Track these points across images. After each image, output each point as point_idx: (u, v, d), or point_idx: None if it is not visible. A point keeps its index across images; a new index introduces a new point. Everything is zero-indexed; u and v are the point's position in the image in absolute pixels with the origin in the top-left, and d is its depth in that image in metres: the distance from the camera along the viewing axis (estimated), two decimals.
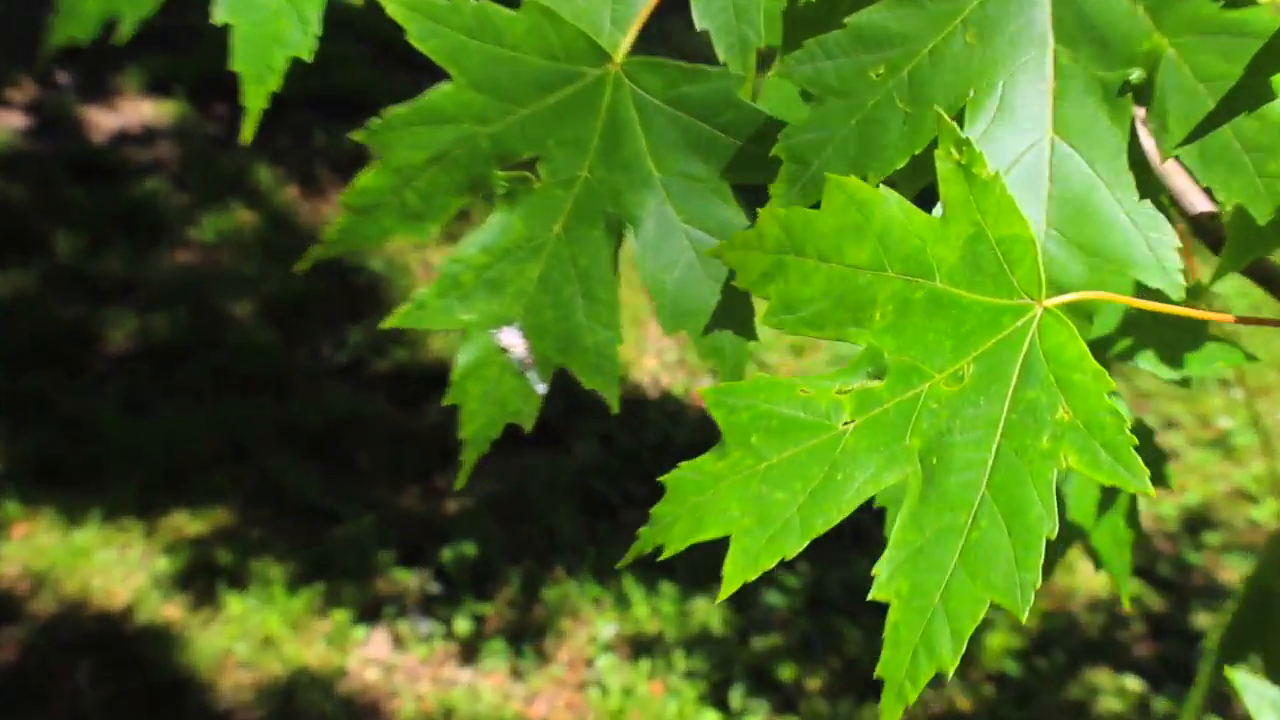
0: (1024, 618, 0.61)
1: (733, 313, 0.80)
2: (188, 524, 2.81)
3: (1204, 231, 0.83)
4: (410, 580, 2.75)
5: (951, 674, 0.61)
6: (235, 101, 3.86)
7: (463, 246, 0.82)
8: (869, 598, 0.64)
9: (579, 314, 0.82)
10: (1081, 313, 0.68)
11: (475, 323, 0.83)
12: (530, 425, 0.84)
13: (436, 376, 3.13)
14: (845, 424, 0.67)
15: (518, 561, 2.82)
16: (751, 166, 0.79)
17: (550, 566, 2.81)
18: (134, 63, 3.95)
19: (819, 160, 0.72)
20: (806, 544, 0.66)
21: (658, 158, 0.79)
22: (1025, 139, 0.71)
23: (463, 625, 2.68)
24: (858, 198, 0.67)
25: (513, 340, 0.82)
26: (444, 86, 0.79)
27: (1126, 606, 1.04)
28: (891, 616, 0.63)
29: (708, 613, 2.73)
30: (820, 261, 0.68)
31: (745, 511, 0.67)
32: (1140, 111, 0.71)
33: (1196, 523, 3.09)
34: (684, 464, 0.69)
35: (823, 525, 0.66)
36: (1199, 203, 0.84)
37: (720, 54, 0.78)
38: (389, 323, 0.82)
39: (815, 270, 0.68)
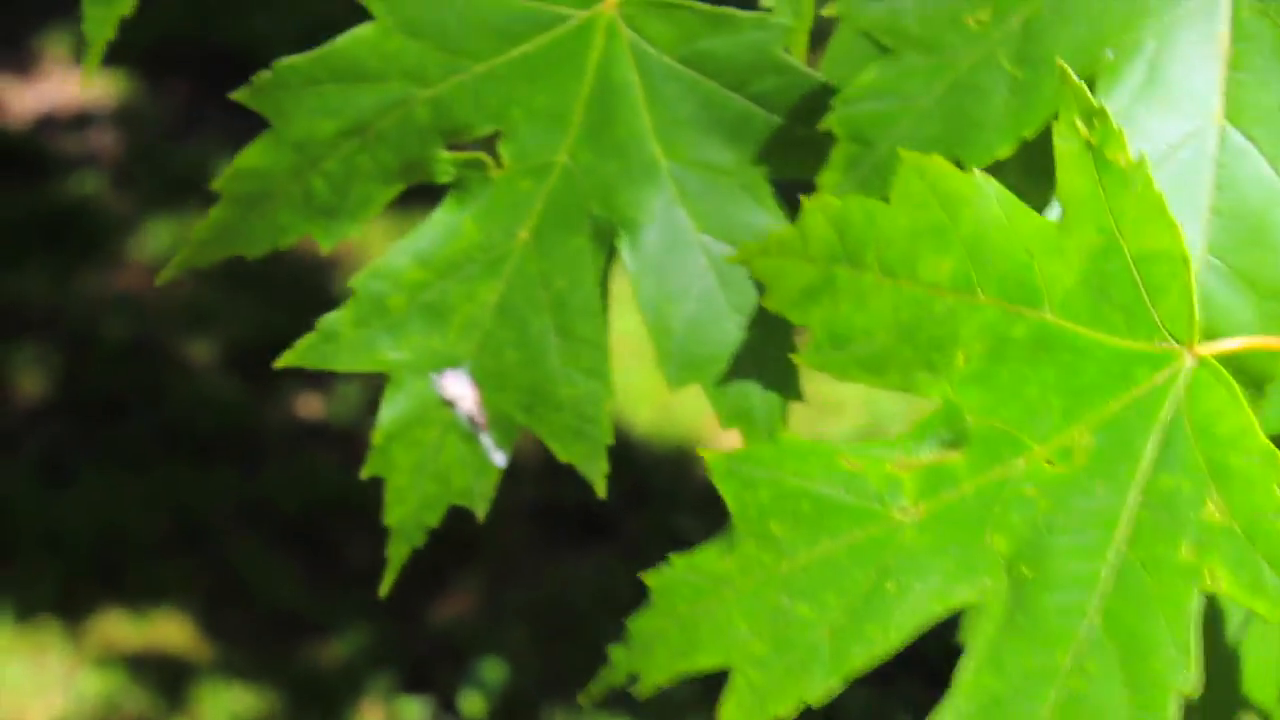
0: None
1: (767, 360, 0.79)
2: (124, 631, 2.82)
3: None
4: (416, 713, 2.76)
5: None
6: (198, 76, 3.93)
7: (391, 256, 0.81)
8: None
9: (552, 356, 0.81)
10: (1247, 373, 0.67)
11: (407, 364, 0.82)
12: (484, 509, 0.84)
13: None
14: (904, 511, 0.67)
15: (557, 693, 2.82)
16: (799, 155, 0.78)
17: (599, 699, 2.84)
18: (64, 21, 4.01)
19: (888, 140, 0.72)
20: (839, 683, 0.66)
21: (666, 139, 0.79)
22: (1182, 125, 0.70)
23: None
24: (941, 187, 0.66)
25: (460, 390, 0.82)
26: (364, 29, 0.78)
27: None
28: None
29: None
30: (884, 276, 0.68)
31: (756, 631, 0.68)
32: None
33: None
34: (676, 557, 0.69)
35: (863, 658, 0.66)
36: None
37: None
38: (283, 360, 0.82)
39: (877, 289, 0.68)
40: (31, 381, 3.21)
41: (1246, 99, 0.70)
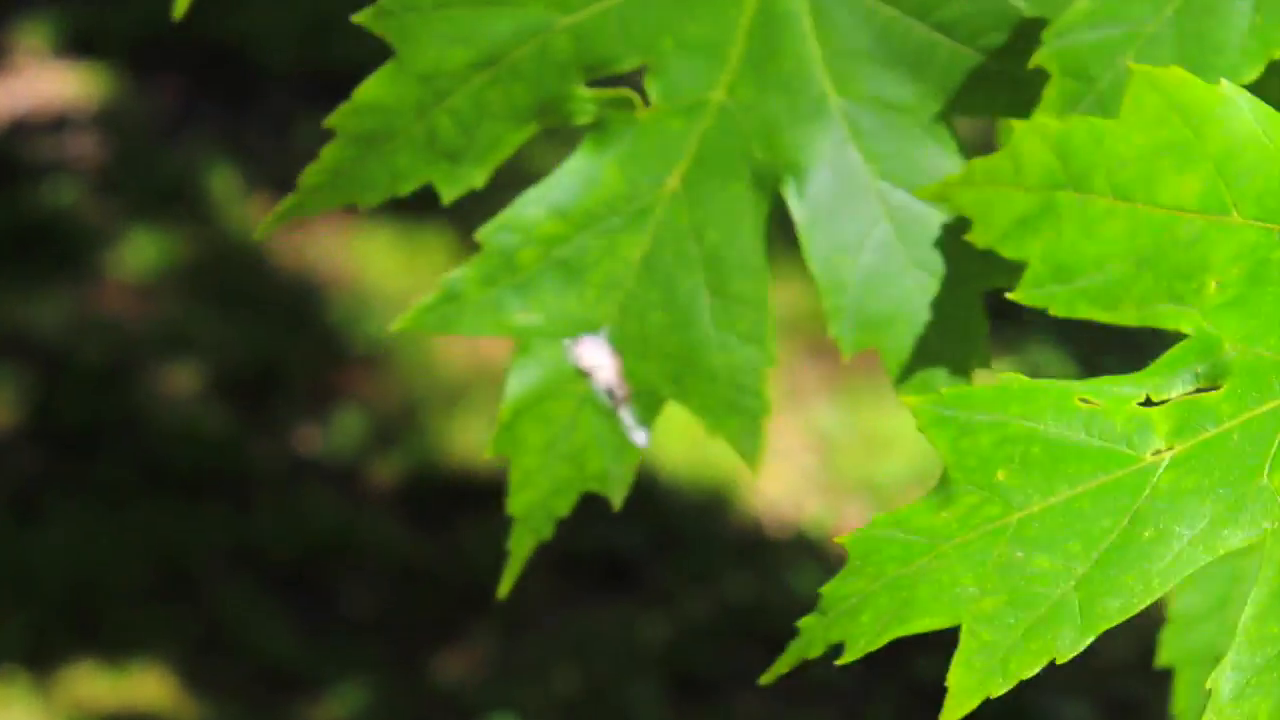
0: None
1: (955, 319, 0.79)
2: (98, 685, 2.79)
3: None
4: None
5: None
6: (188, 74, 3.93)
7: (521, 205, 0.80)
8: None
9: (704, 319, 0.81)
10: None
11: (538, 328, 0.82)
12: (621, 496, 0.83)
13: (464, 484, 3.14)
14: (1157, 453, 0.66)
15: None
16: (993, 91, 0.77)
17: None
18: (39, 11, 4.02)
19: (1111, 73, 0.72)
20: (1092, 639, 0.66)
21: (837, 73, 0.79)
22: None
23: None
24: (1182, 100, 0.66)
25: (598, 358, 0.81)
26: None
27: None
28: None
29: None
30: (1118, 200, 0.67)
31: (987, 588, 0.67)
32: None
33: None
34: (878, 516, 0.69)
35: (1120, 610, 0.66)
36: None
37: None
38: (399, 324, 0.81)
39: (1109, 214, 0.67)
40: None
41: None
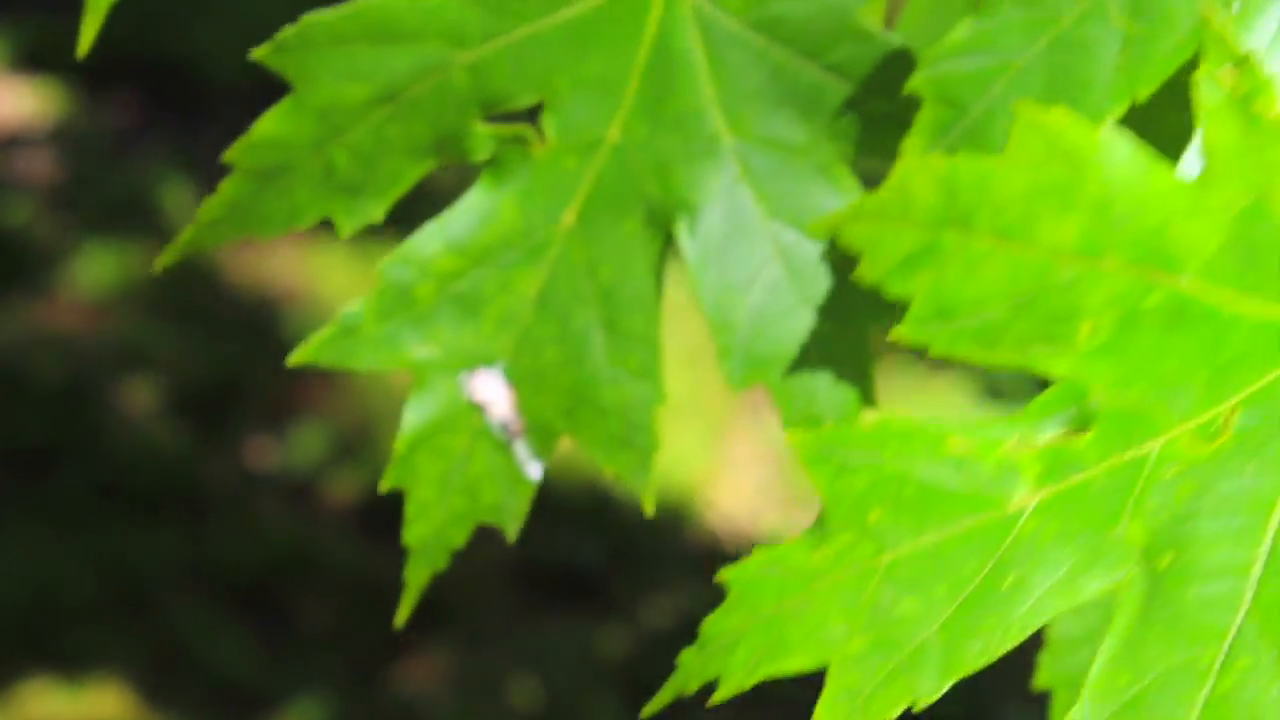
0: None
1: (841, 357, 0.79)
2: (53, 703, 2.79)
3: None
4: None
5: None
6: (143, 91, 3.93)
7: (419, 240, 0.80)
8: None
9: (597, 355, 0.80)
10: None
11: (434, 362, 0.80)
12: (515, 529, 0.82)
13: None
14: (1023, 498, 0.65)
15: None
16: (884, 132, 0.77)
17: None
18: None
19: (982, 102, 0.71)
20: (952, 683, 0.65)
21: (731, 112, 0.78)
22: None
23: None
24: (1064, 142, 0.64)
25: (493, 392, 0.81)
26: None
27: None
28: None
29: None
30: (1000, 241, 0.65)
31: (855, 629, 0.66)
32: None
33: None
34: (758, 550, 0.68)
35: (979, 656, 0.65)
36: None
37: None
38: (295, 359, 0.81)
39: (991, 255, 0.65)
40: None
41: None
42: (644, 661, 2.96)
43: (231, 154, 0.78)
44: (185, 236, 0.79)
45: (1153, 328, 0.64)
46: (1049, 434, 0.66)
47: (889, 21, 0.80)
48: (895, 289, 0.68)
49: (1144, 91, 0.70)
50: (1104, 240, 0.65)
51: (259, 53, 0.76)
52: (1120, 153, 0.64)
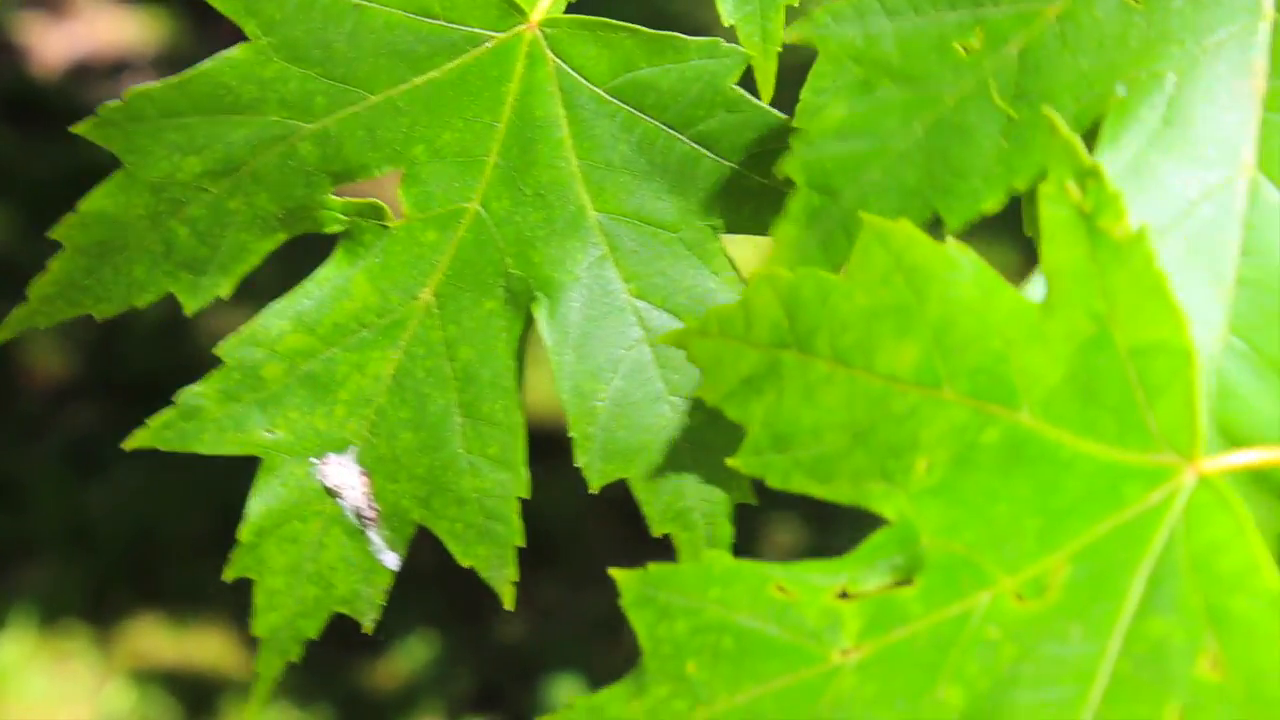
0: None
1: (710, 452, 0.76)
2: (158, 640, 2.80)
3: None
4: None
5: None
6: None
7: (266, 318, 0.78)
8: None
9: (455, 441, 0.79)
10: (1271, 482, 0.65)
11: (283, 446, 0.80)
12: (372, 619, 0.80)
13: (542, 434, 3.14)
14: (844, 652, 0.64)
15: None
16: (758, 207, 0.76)
17: None
18: None
19: (856, 189, 0.70)
20: None
21: (596, 186, 0.77)
22: (1206, 176, 0.69)
23: None
24: (908, 260, 0.64)
25: (345, 477, 0.79)
26: (235, 51, 0.76)
27: None
28: None
29: None
30: (838, 365, 0.65)
31: None
32: None
33: None
34: (578, 699, 0.68)
35: None
36: None
37: (725, 10, 0.76)
38: (131, 443, 0.79)
39: (829, 380, 0.65)
40: (59, 361, 3.18)
41: None
42: None
43: (59, 231, 0.76)
44: (18, 314, 0.77)
45: (988, 467, 0.63)
46: (877, 581, 0.64)
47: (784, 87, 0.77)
48: (734, 413, 0.66)
49: (1023, 181, 0.69)
50: (943, 368, 0.63)
51: (79, 128, 0.74)
52: (965, 272, 0.63)
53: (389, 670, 2.81)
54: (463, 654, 2.85)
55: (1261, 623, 0.60)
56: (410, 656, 2.81)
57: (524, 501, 0.79)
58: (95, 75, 3.70)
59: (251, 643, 2.72)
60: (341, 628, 2.79)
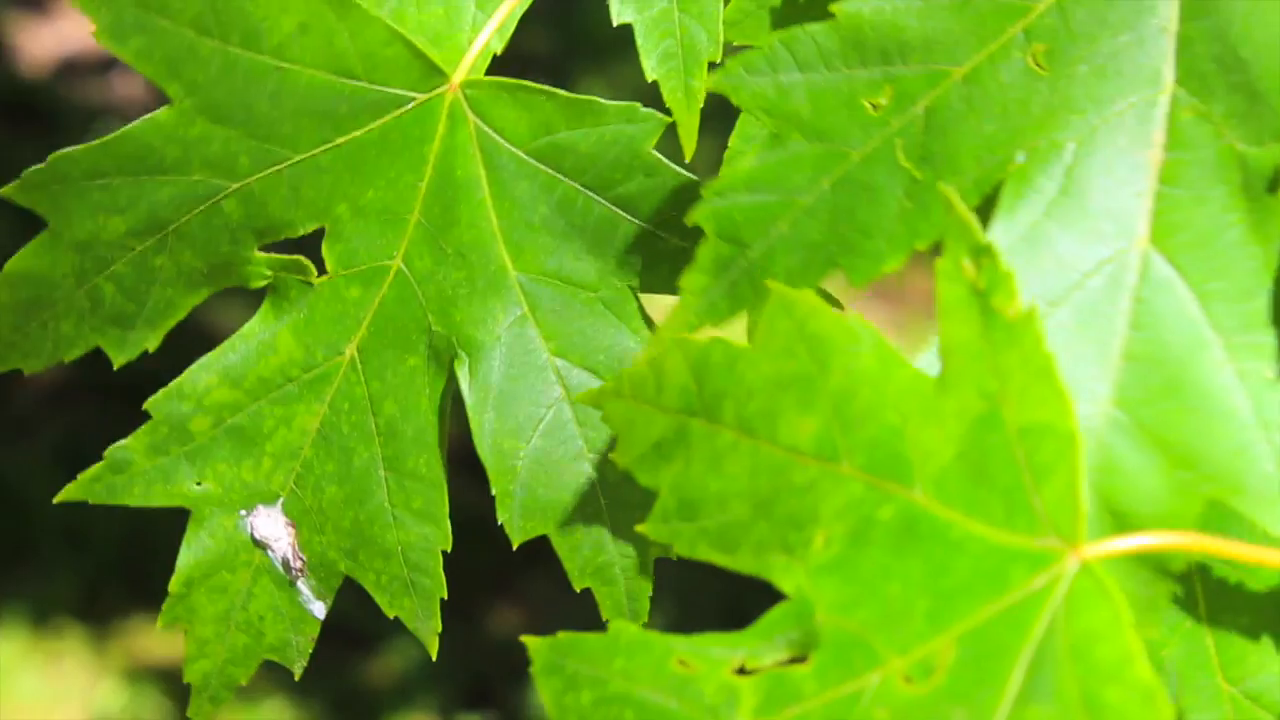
0: None
1: (628, 510, 0.77)
2: (151, 639, 2.80)
3: None
4: None
5: None
6: None
7: (193, 372, 0.79)
8: None
9: (380, 495, 0.79)
10: (1154, 560, 0.64)
11: (211, 498, 0.80)
12: (301, 667, 0.81)
13: None
14: None
15: None
16: (676, 268, 0.74)
17: None
18: None
19: (763, 241, 0.69)
20: None
21: (516, 246, 0.77)
22: (1099, 249, 0.68)
23: None
24: (811, 330, 0.63)
25: (273, 529, 0.80)
26: (159, 114, 0.76)
27: None
28: None
29: None
30: (743, 435, 0.64)
31: None
32: None
33: None
34: None
35: None
36: None
37: (649, 66, 0.76)
38: (61, 497, 0.81)
39: (734, 449, 0.64)
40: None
41: (1177, 220, 0.67)
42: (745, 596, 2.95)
43: None
44: None
45: (883, 543, 0.62)
46: (774, 657, 0.63)
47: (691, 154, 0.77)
48: (644, 478, 0.66)
49: (924, 243, 0.68)
50: (842, 441, 0.63)
51: (5, 190, 0.75)
52: (864, 344, 0.62)
53: (383, 667, 2.79)
54: (456, 651, 2.84)
55: (1133, 714, 0.58)
56: (404, 653, 2.79)
57: None
58: (83, 74, 3.66)
59: None
60: (336, 625, 2.79)
